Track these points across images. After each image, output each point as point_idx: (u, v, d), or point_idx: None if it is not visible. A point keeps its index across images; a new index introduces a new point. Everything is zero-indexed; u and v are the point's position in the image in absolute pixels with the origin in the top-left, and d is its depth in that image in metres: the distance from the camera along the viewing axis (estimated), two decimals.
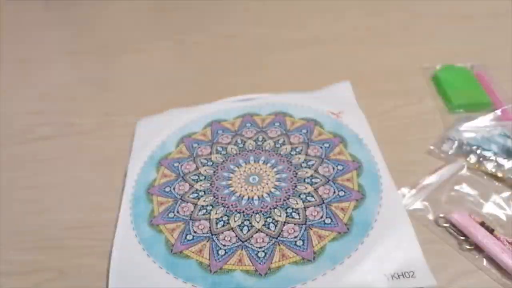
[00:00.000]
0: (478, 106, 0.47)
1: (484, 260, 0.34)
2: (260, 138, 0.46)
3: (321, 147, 0.44)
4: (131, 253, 0.37)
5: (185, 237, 0.37)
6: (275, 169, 0.42)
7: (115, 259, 0.36)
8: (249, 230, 0.37)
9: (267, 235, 0.36)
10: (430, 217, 0.37)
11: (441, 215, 0.37)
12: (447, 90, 0.49)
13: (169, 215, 0.39)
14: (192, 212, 0.39)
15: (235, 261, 0.35)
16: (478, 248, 0.34)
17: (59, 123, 0.54)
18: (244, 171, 0.42)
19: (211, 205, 0.39)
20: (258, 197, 0.40)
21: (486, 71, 0.51)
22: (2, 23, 0.81)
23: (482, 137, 0.41)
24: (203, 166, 0.43)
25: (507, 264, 0.32)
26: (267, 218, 0.38)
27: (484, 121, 0.44)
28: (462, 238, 0.35)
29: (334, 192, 0.39)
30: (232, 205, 0.39)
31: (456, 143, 0.41)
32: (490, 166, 0.39)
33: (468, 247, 0.34)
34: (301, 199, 0.39)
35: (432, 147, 0.43)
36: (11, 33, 0.77)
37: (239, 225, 0.37)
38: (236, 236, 0.37)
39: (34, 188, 0.45)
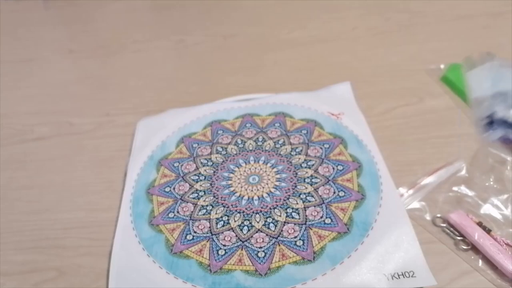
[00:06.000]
0: None
1: (480, 260, 0.34)
2: (260, 139, 0.46)
3: (321, 148, 0.44)
4: (131, 253, 0.37)
5: (185, 237, 0.37)
6: (275, 169, 0.42)
7: (115, 259, 0.36)
8: (249, 230, 0.37)
9: (267, 235, 0.36)
10: (428, 217, 0.37)
11: (438, 215, 0.37)
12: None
13: (169, 215, 0.39)
14: (192, 212, 0.39)
15: (235, 261, 0.35)
16: (475, 249, 0.34)
17: (58, 123, 0.54)
18: (244, 171, 0.42)
19: (211, 205, 0.40)
20: (258, 197, 0.40)
21: None
22: (1, 22, 0.81)
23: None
24: (203, 166, 0.44)
25: (502, 265, 0.32)
26: (267, 218, 0.38)
27: None
28: (459, 238, 0.35)
29: (334, 192, 0.39)
30: (232, 205, 0.39)
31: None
32: None
33: (464, 247, 0.34)
34: (301, 199, 0.39)
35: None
36: (10, 32, 0.77)
37: (239, 225, 0.37)
38: (236, 236, 0.37)
39: (34, 188, 0.45)
